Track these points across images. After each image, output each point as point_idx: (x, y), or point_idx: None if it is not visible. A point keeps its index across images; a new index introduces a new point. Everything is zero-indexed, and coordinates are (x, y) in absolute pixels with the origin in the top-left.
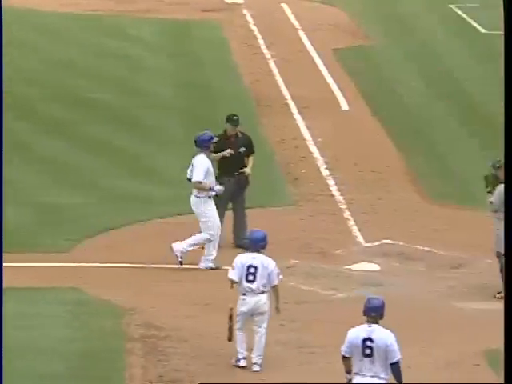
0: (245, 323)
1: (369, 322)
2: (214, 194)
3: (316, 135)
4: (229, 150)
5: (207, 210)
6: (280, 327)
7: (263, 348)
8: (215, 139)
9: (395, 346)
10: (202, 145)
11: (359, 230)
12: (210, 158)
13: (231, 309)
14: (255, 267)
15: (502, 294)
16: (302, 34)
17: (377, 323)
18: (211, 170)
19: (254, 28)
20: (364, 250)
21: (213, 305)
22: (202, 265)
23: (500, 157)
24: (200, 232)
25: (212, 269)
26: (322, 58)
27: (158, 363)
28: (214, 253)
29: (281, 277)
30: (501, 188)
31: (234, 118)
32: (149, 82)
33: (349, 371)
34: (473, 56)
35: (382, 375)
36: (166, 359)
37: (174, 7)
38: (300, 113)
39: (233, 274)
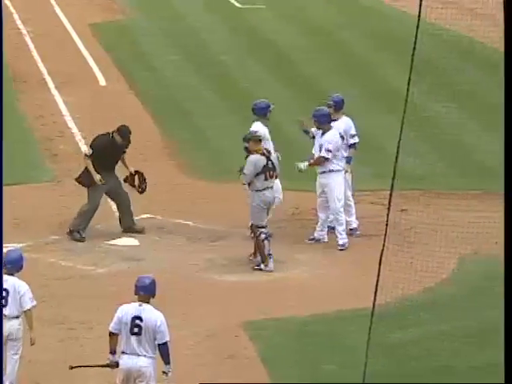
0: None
1: (140, 300)
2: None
3: (74, 111)
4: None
5: None
6: (41, 304)
7: (15, 376)
8: (272, 107)
9: (164, 328)
10: (260, 112)
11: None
12: (266, 125)
13: None
14: (6, 291)
15: (258, 265)
16: (58, 9)
17: (148, 302)
18: (268, 136)
19: (9, 3)
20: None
21: None
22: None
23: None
24: None
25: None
26: (78, 34)
27: None
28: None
29: (34, 303)
30: (251, 158)
31: (129, 134)
32: None
33: (113, 351)
34: (229, 30)
35: (150, 354)
36: None
37: None
38: (57, 88)
39: None
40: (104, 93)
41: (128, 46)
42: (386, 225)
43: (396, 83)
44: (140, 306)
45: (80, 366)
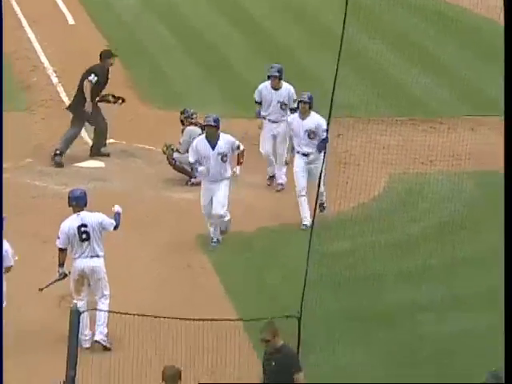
0: None
1: (75, 211)
2: None
3: (46, 47)
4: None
5: None
6: (18, 216)
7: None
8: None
9: (107, 221)
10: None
11: (86, 131)
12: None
13: None
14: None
15: (190, 181)
16: None
17: (82, 210)
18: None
19: None
20: (90, 149)
21: None
22: None
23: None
24: None
25: None
26: None
27: None
28: None
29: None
30: (186, 129)
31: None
32: None
33: (62, 264)
34: None
35: (100, 254)
36: None
37: None
38: (30, 26)
39: None
40: (72, 31)
41: None
42: (325, 147)
43: (330, 23)
44: (78, 215)
45: (45, 287)
